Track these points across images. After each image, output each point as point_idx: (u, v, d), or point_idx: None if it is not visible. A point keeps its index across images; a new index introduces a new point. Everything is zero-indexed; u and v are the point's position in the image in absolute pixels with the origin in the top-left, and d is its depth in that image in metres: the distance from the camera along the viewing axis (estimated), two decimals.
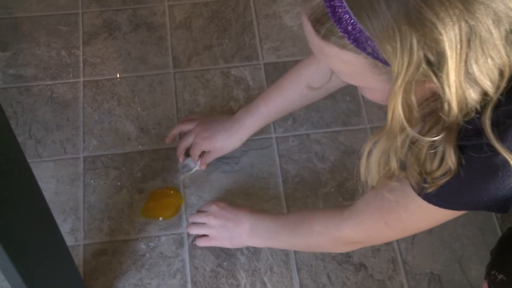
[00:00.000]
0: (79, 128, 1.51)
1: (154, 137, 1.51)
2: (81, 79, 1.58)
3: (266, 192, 1.44)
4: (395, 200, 1.04)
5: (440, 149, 0.91)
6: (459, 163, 0.91)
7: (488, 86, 0.82)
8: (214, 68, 1.62)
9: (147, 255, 1.35)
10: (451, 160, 0.90)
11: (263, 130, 1.51)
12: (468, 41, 0.78)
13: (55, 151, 1.46)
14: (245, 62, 1.64)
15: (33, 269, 0.98)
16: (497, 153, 0.85)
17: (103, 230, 1.38)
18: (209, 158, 1.44)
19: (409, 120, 0.86)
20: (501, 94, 0.84)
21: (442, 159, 0.92)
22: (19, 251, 0.91)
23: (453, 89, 0.81)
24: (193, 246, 1.36)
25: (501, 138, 0.85)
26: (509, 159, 0.85)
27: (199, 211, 1.39)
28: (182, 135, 1.46)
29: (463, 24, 0.76)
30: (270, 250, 1.37)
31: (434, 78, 0.81)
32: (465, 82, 0.81)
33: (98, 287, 1.32)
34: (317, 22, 0.84)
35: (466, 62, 0.79)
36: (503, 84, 0.83)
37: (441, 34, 0.76)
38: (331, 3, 0.80)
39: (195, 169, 1.45)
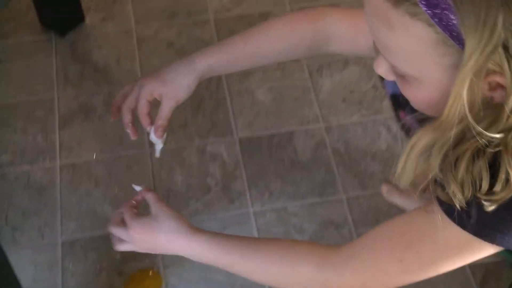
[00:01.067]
0: (57, 212, 1.53)
1: None
2: (58, 163, 1.60)
3: None
4: (417, 230, 0.90)
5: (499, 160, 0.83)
6: None
7: None
8: (189, 145, 1.65)
9: None
10: None
11: (241, 203, 1.54)
12: None
13: (33, 237, 1.47)
14: (220, 138, 1.67)
15: None
16: None
17: None
18: (164, 110, 1.13)
19: (471, 110, 0.79)
20: None
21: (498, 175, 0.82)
22: None
23: None
24: None
25: None
26: None
27: (119, 220, 1.10)
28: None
29: None
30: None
31: (506, 66, 0.77)
32: None
33: None
34: (403, 2, 0.80)
35: None
36: None
37: None
38: None
39: (160, 145, 1.20)
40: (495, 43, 0.74)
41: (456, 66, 0.80)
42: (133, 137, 1.17)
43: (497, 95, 0.80)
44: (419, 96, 0.89)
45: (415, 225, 0.90)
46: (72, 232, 1.50)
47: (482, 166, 0.82)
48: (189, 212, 1.55)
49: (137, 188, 1.15)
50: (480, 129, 0.80)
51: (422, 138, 0.86)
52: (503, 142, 0.81)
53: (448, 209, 0.84)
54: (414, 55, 0.84)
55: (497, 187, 0.80)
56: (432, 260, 0.89)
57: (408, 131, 1.35)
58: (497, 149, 0.81)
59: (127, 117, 1.14)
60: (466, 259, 0.89)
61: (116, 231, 1.09)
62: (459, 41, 0.77)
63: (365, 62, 1.79)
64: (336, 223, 1.54)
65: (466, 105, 0.79)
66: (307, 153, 1.66)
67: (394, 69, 0.91)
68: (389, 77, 0.93)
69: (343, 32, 1.19)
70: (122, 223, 1.08)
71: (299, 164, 1.64)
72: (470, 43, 0.75)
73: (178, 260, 1.42)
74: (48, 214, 1.52)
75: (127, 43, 1.84)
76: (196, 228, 1.06)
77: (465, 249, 0.87)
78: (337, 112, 1.73)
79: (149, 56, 1.82)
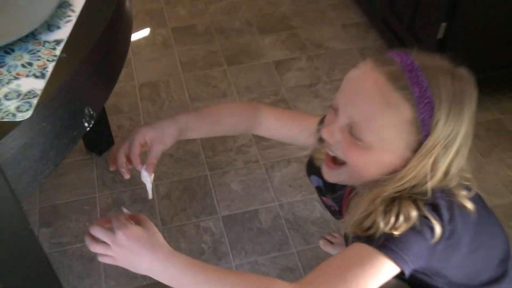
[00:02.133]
0: (102, 274, 1.58)
1: None
2: None
3: None
4: (347, 258, 0.84)
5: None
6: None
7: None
8: (188, 223, 1.71)
9: None
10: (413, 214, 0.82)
11: (226, 260, 1.58)
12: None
13: None
14: (209, 217, 1.72)
15: None
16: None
17: None
18: (155, 151, 1.04)
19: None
20: None
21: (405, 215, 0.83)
22: None
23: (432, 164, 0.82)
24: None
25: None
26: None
27: (104, 222, 0.93)
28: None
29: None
30: None
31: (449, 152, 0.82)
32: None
33: None
34: (395, 79, 0.81)
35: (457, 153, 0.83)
36: None
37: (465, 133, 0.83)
38: (411, 67, 0.80)
39: (149, 185, 1.09)
40: (445, 135, 0.81)
41: (413, 149, 0.83)
42: (126, 177, 1.05)
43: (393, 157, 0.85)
44: (361, 159, 0.85)
45: (346, 256, 0.85)
46: (113, 287, 1.55)
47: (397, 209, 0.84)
48: None
49: (126, 211, 0.96)
50: (427, 187, 0.83)
51: (385, 191, 0.85)
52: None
53: (367, 240, 0.83)
54: (392, 128, 0.82)
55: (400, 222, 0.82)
56: (363, 277, 0.81)
57: (328, 207, 1.41)
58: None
59: (121, 159, 1.03)
60: (381, 276, 0.82)
61: (102, 233, 0.89)
62: (427, 129, 0.81)
63: (301, 160, 1.83)
64: (291, 269, 1.58)
65: (429, 170, 0.82)
66: (268, 223, 1.70)
67: (347, 134, 0.86)
68: (335, 140, 0.88)
69: (270, 123, 1.16)
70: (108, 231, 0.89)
71: (263, 231, 1.68)
72: (432, 127, 0.81)
73: None
74: (96, 276, 1.57)
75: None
76: (172, 250, 0.90)
77: (373, 265, 0.81)
78: (286, 194, 1.78)
79: (158, 165, 1.70)
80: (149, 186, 1.06)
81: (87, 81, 0.91)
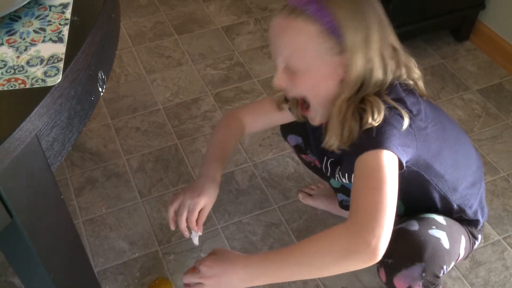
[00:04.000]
0: (88, 253, 1.54)
1: (141, 246, 1.56)
2: (80, 220, 1.63)
3: None
4: (359, 171, 0.93)
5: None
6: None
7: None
8: (167, 192, 1.70)
9: None
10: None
11: (211, 224, 1.59)
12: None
13: None
14: (186, 184, 1.70)
15: None
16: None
17: None
18: (204, 215, 1.18)
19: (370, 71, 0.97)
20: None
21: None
22: None
23: (369, 63, 0.96)
24: None
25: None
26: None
27: (191, 270, 1.09)
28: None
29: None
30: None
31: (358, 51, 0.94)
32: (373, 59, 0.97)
33: None
34: (289, 12, 0.95)
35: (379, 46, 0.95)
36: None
37: (370, 25, 0.95)
38: None
39: (196, 241, 1.26)
40: (362, 39, 0.94)
41: (333, 54, 0.94)
42: (187, 236, 1.20)
43: (340, 69, 0.98)
44: (307, 83, 0.99)
45: (361, 176, 0.93)
46: (102, 264, 1.53)
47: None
48: (178, 236, 1.57)
49: (193, 238, 1.22)
50: (381, 80, 0.99)
51: (343, 97, 0.98)
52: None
53: (358, 151, 0.94)
54: (308, 47, 0.95)
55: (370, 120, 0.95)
56: (380, 175, 0.90)
57: (308, 164, 1.53)
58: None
59: (184, 224, 1.16)
60: (392, 173, 0.91)
61: (191, 277, 1.05)
62: (337, 35, 0.93)
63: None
64: (276, 224, 1.62)
65: (362, 68, 0.96)
66: (246, 183, 1.72)
67: (289, 73, 1.00)
68: (284, 83, 1.01)
69: (251, 123, 1.30)
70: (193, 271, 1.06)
71: (242, 191, 1.70)
72: (346, 37, 0.93)
73: (179, 268, 1.51)
74: None
75: (108, 133, 1.88)
76: (248, 256, 1.02)
77: (381, 160, 0.91)
78: (257, 154, 1.80)
79: (125, 139, 1.86)
80: (196, 239, 1.24)
81: (98, 44, 0.89)
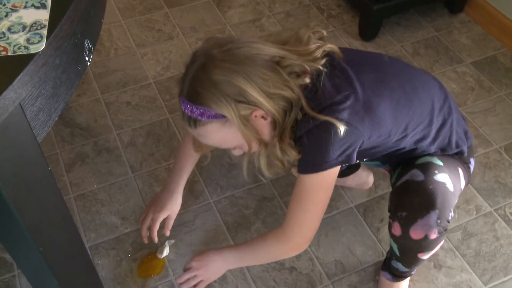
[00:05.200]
0: (80, 228, 1.54)
1: (133, 221, 1.56)
2: (72, 196, 1.62)
3: (217, 237, 1.53)
4: (297, 188, 1.12)
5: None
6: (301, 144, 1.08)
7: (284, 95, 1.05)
8: (159, 167, 1.69)
9: None
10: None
11: (203, 198, 1.60)
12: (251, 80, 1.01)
13: None
14: None
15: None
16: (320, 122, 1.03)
17: None
18: (170, 223, 1.41)
19: (265, 132, 1.10)
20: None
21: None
22: None
23: (266, 103, 1.03)
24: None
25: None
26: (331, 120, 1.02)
27: (184, 270, 1.35)
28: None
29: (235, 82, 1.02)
30: (232, 273, 1.43)
31: (251, 107, 1.03)
32: (267, 98, 1.03)
33: None
34: (189, 122, 1.08)
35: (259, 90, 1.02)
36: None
37: (234, 87, 1.01)
38: (186, 109, 1.05)
39: (167, 249, 1.48)
40: (233, 104, 1.02)
41: (248, 114, 1.06)
42: (146, 241, 1.43)
43: (268, 118, 1.08)
44: (252, 148, 1.14)
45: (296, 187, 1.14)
46: (94, 239, 1.52)
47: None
48: None
49: (171, 242, 1.49)
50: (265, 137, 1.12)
51: (256, 153, 1.17)
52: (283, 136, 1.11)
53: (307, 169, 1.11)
54: (224, 136, 1.09)
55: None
56: (313, 197, 1.13)
57: None
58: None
59: (145, 237, 1.42)
60: (324, 186, 1.12)
61: (185, 275, 1.33)
62: (222, 117, 1.04)
63: None
64: (268, 198, 1.62)
65: (253, 134, 1.09)
66: (237, 157, 1.66)
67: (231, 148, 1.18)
68: (242, 151, 1.19)
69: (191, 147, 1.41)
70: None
71: (234, 165, 1.69)
72: (225, 113, 1.03)
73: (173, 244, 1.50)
74: None
75: (98, 108, 1.86)
76: (222, 248, 1.35)
77: (318, 183, 1.11)
78: None
79: (116, 114, 1.84)
80: (167, 252, 1.50)
81: (84, 11, 0.86)
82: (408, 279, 1.40)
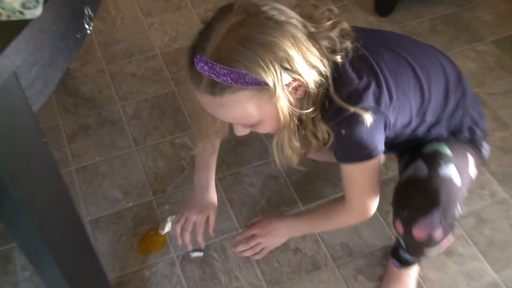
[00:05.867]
0: (80, 202, 1.54)
1: (135, 196, 1.55)
2: (73, 168, 1.62)
3: (221, 215, 1.49)
4: (346, 174, 1.14)
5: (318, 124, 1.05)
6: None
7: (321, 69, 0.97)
8: (163, 140, 1.68)
9: (152, 277, 1.40)
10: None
11: None
12: (296, 46, 0.92)
13: None
14: (183, 133, 1.69)
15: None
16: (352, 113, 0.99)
17: (116, 268, 1.42)
18: (212, 223, 1.37)
19: (295, 107, 0.99)
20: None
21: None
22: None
23: (308, 74, 0.95)
24: (182, 265, 1.40)
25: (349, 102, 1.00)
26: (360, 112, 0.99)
27: (245, 230, 1.41)
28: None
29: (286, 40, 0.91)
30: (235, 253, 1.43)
31: (294, 76, 0.93)
32: (310, 68, 0.95)
33: None
34: (211, 90, 0.92)
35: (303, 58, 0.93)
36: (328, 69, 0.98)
37: (282, 50, 0.91)
38: (209, 70, 0.89)
39: (169, 225, 1.46)
40: (279, 71, 0.90)
41: (270, 97, 0.94)
42: (191, 248, 1.38)
43: (300, 92, 0.99)
44: (267, 128, 1.03)
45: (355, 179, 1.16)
46: (94, 213, 1.51)
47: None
48: (174, 185, 1.57)
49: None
50: (301, 111, 1.00)
51: (281, 137, 1.05)
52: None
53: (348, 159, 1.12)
54: (251, 110, 0.96)
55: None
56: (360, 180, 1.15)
57: None
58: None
59: (190, 244, 1.36)
60: (364, 173, 1.13)
61: (249, 243, 1.38)
62: (266, 83, 0.91)
63: None
64: (275, 176, 1.60)
65: (288, 109, 0.97)
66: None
67: (246, 125, 1.05)
68: (247, 131, 1.08)
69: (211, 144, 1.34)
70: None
71: (241, 141, 1.66)
72: (270, 80, 0.91)
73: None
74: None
75: (103, 78, 1.84)
76: (284, 216, 1.45)
77: (357, 171, 1.12)
78: None
79: (120, 85, 1.83)
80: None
81: None
82: (416, 265, 1.38)
